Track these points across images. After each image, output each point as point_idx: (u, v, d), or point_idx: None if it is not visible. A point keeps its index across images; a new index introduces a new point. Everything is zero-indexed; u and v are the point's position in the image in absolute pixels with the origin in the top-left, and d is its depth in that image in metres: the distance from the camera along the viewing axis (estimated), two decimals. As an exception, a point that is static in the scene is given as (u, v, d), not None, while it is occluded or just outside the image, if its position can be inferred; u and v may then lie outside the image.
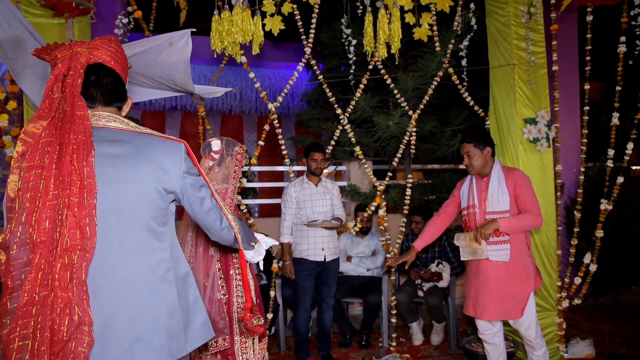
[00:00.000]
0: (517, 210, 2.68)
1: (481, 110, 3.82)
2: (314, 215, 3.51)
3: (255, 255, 1.76)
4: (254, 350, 2.31)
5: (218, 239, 1.58)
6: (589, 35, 3.43)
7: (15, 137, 2.90)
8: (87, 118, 1.25)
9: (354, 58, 3.64)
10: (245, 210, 3.77)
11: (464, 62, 3.72)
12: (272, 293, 3.71)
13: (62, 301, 1.15)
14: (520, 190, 2.66)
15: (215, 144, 2.42)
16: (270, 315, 3.70)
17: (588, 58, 3.46)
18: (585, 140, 3.55)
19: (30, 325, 1.14)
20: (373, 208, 3.87)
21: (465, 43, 3.71)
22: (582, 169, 3.56)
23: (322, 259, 3.52)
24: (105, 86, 1.36)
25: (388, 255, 3.75)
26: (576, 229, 3.53)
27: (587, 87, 3.48)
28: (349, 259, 4.23)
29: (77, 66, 1.27)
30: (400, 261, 2.87)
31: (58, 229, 1.17)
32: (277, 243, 2.11)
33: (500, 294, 2.67)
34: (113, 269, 1.26)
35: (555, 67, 3.59)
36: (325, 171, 3.69)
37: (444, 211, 2.96)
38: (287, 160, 3.77)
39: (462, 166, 4.27)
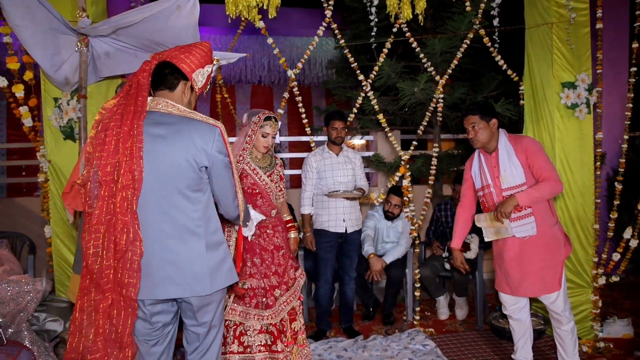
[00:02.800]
0: (534, 180, 2.52)
1: (515, 74, 3.56)
2: (334, 186, 3.42)
3: (246, 231, 2.14)
4: (225, 305, 2.41)
5: (224, 212, 1.90)
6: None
7: (32, 107, 2.94)
8: (145, 97, 1.68)
9: (375, 19, 3.44)
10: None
11: (496, 22, 3.45)
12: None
13: (121, 223, 1.60)
14: (534, 159, 2.50)
15: (244, 117, 2.61)
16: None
17: (638, 12, 3.12)
18: (630, 105, 3.25)
19: (99, 239, 1.61)
20: (397, 179, 3.73)
21: (498, 1, 3.42)
22: (626, 137, 3.28)
23: (344, 231, 3.44)
24: (158, 76, 1.75)
25: (413, 229, 3.61)
26: (617, 202, 3.28)
27: (635, 45, 3.15)
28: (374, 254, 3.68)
29: (144, 67, 1.71)
30: (461, 267, 2.91)
31: (116, 172, 1.61)
32: (264, 218, 2.43)
33: (536, 269, 2.54)
34: (152, 223, 1.67)
35: (599, 25, 3.27)
36: (357, 143, 3.56)
37: (465, 200, 2.83)
38: (307, 129, 3.66)
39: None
